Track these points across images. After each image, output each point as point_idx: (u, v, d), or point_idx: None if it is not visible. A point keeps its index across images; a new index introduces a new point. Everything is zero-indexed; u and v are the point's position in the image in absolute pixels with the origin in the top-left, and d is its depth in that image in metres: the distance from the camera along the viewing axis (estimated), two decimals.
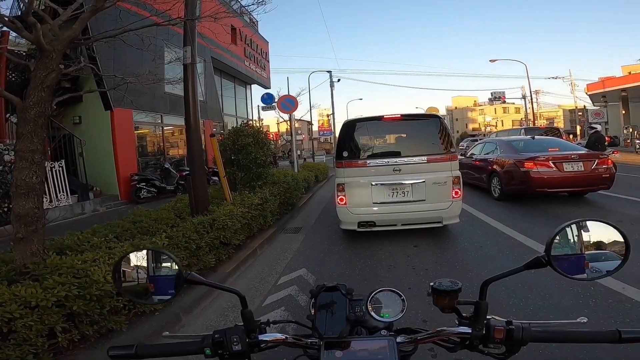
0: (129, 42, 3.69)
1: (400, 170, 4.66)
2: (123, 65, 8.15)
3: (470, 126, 66.59)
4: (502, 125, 55.53)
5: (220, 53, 15.53)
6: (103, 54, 8.07)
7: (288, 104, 11.05)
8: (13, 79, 9.06)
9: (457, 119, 69.73)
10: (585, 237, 0.78)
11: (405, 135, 5.10)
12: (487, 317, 0.79)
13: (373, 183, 4.67)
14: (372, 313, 0.85)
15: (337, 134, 27.64)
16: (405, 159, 4.68)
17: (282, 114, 12.28)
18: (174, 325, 2.89)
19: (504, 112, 62.14)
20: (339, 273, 3.85)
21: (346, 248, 4.73)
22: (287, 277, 3.84)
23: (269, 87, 22.33)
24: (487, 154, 8.31)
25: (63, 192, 8.04)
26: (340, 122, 6.34)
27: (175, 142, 13.93)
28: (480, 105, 67.17)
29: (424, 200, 4.61)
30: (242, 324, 0.83)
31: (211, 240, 3.91)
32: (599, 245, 0.78)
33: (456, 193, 4.61)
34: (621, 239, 0.77)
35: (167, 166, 10.73)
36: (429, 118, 5.16)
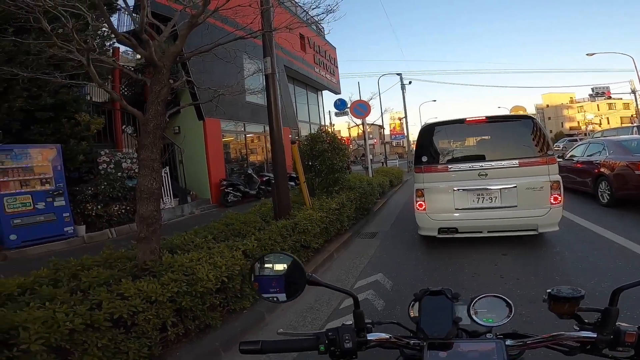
0: (219, 55, 4.01)
1: (486, 174, 4.37)
2: (211, 78, 9.06)
3: (567, 125, 58.79)
4: (608, 123, 47.87)
5: (292, 61, 16.13)
6: (195, 68, 9.04)
7: (361, 109, 11.08)
8: (126, 93, 10.65)
9: (549, 118, 62.08)
10: None
11: (491, 138, 4.77)
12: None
13: (455, 188, 4.45)
14: (475, 317, 0.86)
15: (410, 138, 26.93)
16: (493, 163, 4.38)
17: (355, 119, 12.31)
18: (259, 324, 3.08)
19: (610, 109, 53.51)
20: (417, 279, 3.76)
21: (424, 254, 4.59)
22: (363, 282, 3.86)
23: (339, 93, 22.60)
24: (592, 155, 7.31)
25: (168, 196, 9.22)
26: (414, 125, 6.21)
27: (255, 148, 14.85)
28: (578, 102, 58.93)
29: (516, 206, 4.26)
30: (351, 323, 0.88)
31: (293, 243, 4.12)
32: None
33: (555, 199, 4.16)
34: None
35: (250, 172, 11.57)
36: (521, 119, 4.81)
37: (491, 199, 4.35)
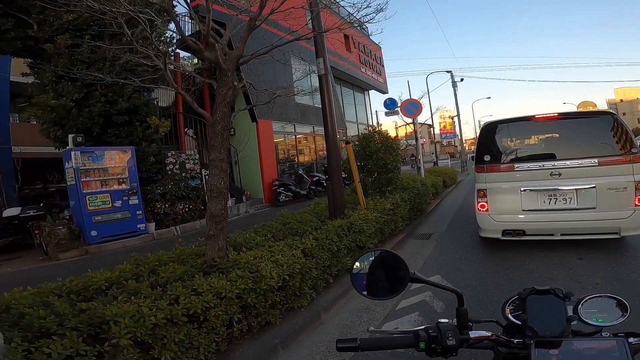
0: (275, 58, 4.13)
1: (560, 174, 4.05)
2: (262, 80, 9.38)
3: None
4: None
5: (338, 62, 16.09)
6: (248, 70, 9.43)
7: (412, 108, 10.79)
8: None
9: (624, 114, 55.77)
10: None
11: (562, 136, 4.40)
12: None
13: (523, 189, 4.19)
14: (584, 317, 0.84)
15: (461, 136, 25.64)
16: (568, 162, 4.05)
17: (405, 118, 12.03)
18: (315, 322, 3.11)
19: None
20: (478, 282, 3.60)
21: (486, 256, 4.38)
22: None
23: (386, 92, 22.25)
24: None
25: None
26: (466, 124, 5.92)
27: (304, 149, 15.10)
28: None
29: (594, 208, 3.90)
30: (447, 321, 0.89)
31: (349, 242, 4.14)
32: None
33: None
34: None
35: (300, 172, 11.81)
36: (600, 115, 4.47)
37: (565, 200, 4.03)
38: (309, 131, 14.22)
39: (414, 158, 16.29)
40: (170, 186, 8.30)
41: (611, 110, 4.66)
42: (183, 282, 2.54)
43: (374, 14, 4.88)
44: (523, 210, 4.18)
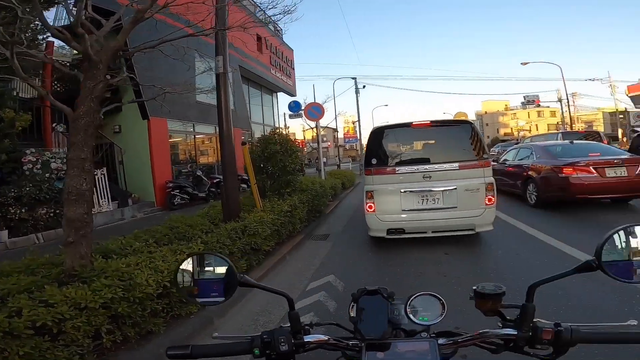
0: (166, 53, 3.86)
1: (430, 177, 4.60)
2: (158, 75, 8.58)
3: (502, 131, 64.20)
4: (537, 130, 53.10)
5: (248, 62, 15.88)
6: (140, 64, 8.52)
7: (315, 111, 11.18)
8: (58, 89, 9.74)
9: (487, 124, 67.51)
10: (633, 243, 0.77)
11: (435, 142, 5.02)
12: (533, 319, 0.80)
13: (402, 190, 4.62)
14: (411, 316, 0.86)
15: (363, 141, 27.72)
16: (436, 166, 4.61)
17: (309, 122, 12.39)
18: (207, 329, 2.96)
19: (539, 116, 59.55)
20: (367, 280, 3.84)
21: (375, 255, 4.71)
22: (316, 283, 3.86)
23: (294, 95, 22.63)
24: (522, 159, 8.01)
25: (105, 198, 8.53)
26: (366, 129, 6.40)
27: (206, 149, 14.34)
28: (512, 110, 64.76)
29: (456, 207, 4.51)
30: (288, 325, 0.87)
31: (243, 246, 4.02)
32: None
33: (489, 200, 4.48)
34: None
35: (198, 174, 11.11)
36: (460, 124, 5.12)
37: (434, 201, 4.58)
38: (211, 131, 13.51)
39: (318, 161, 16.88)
40: (28, 188, 6.89)
41: (469, 120, 5.50)
42: (30, 293, 2.28)
43: (282, 15, 4.90)
44: (403, 210, 4.63)
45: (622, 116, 30.99)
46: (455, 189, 4.51)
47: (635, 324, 0.79)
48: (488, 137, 60.94)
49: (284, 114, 25.68)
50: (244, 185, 10.20)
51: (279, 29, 19.54)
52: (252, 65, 16.59)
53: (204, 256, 0.91)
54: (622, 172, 6.05)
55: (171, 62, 4.97)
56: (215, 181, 11.12)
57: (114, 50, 2.95)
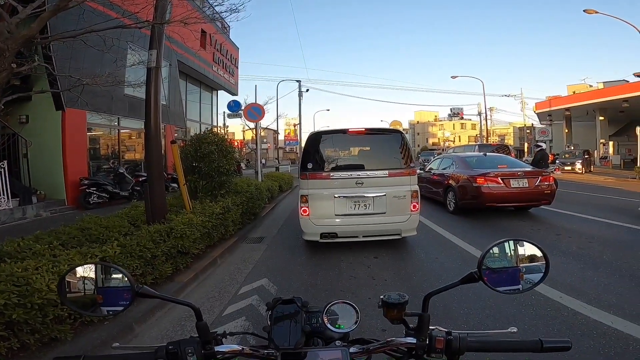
0: (90, 43, 3.53)
1: (362, 183, 4.77)
2: (82, 65, 7.74)
3: (431, 141, 69.29)
4: (460, 141, 58.44)
5: (188, 57, 15.25)
6: (60, 53, 7.62)
7: (255, 112, 10.97)
8: None
9: (418, 133, 72.49)
10: (521, 251, 0.87)
11: (368, 149, 5.23)
12: (431, 327, 0.84)
13: (336, 195, 4.73)
14: (328, 324, 0.87)
15: (303, 144, 27.94)
16: (368, 172, 4.79)
17: (248, 122, 12.13)
18: (127, 336, 2.76)
19: (462, 128, 65.49)
20: (301, 283, 3.86)
21: (308, 258, 4.75)
22: (248, 287, 3.78)
23: (236, 94, 22.09)
24: (445, 169, 8.67)
25: (3, 195, 7.37)
26: (307, 132, 6.43)
27: (132, 146, 13.33)
28: (440, 121, 70.31)
29: (385, 213, 4.74)
30: (197, 335, 0.83)
31: (168, 249, 3.77)
32: (532, 259, 0.87)
33: (414, 207, 4.78)
34: (541, 255, 0.87)
35: (121, 171, 10.19)
36: (392, 133, 5.32)
37: (366, 206, 4.78)
38: (139, 126, 12.45)
39: (263, 162, 16.65)
40: None
41: (400, 129, 5.81)
42: None
43: (227, 13, 4.72)
44: (336, 215, 4.75)
45: (528, 131, 35.15)
46: (385, 195, 4.75)
47: (515, 331, 0.84)
48: (418, 145, 65.72)
49: (224, 112, 24.89)
50: (175, 185, 9.62)
51: (226, 26, 19.01)
52: (193, 60, 15.91)
53: (103, 265, 0.85)
54: (524, 183, 6.94)
55: (98, 53, 4.56)
56: (140, 179, 10.28)
57: (24, 39, 2.71)
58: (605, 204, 8.69)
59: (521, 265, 0.87)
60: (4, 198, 7.38)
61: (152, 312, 3.09)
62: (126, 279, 0.81)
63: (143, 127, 12.13)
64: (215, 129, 13.92)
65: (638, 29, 14.68)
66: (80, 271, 0.82)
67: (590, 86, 31.47)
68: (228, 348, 0.84)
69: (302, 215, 4.77)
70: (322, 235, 4.76)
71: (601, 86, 27.78)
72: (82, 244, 3.39)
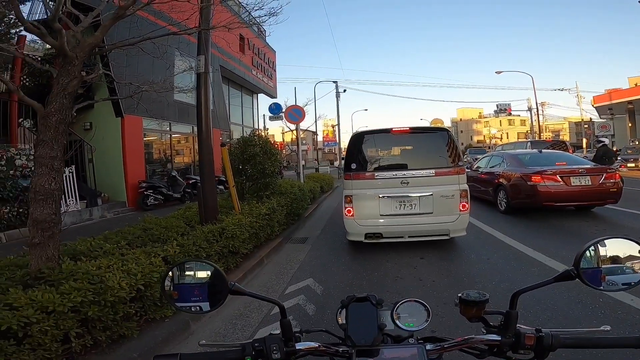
0: (146, 50, 3.78)
1: (408, 183, 4.68)
2: (135, 72, 8.32)
3: (475, 138, 66.28)
4: (507, 138, 55.14)
5: (229, 61, 15.75)
6: (116, 61, 8.27)
7: (295, 114, 11.14)
8: (27, 84, 9.28)
9: (461, 131, 69.48)
10: (602, 251, 0.82)
11: (413, 148, 5.11)
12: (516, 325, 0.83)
13: (380, 195, 4.68)
14: (397, 322, 0.88)
15: (342, 145, 27.88)
16: (413, 172, 4.69)
17: (289, 124, 12.35)
18: (184, 333, 2.91)
19: (510, 125, 61.90)
20: (346, 284, 3.86)
21: (352, 259, 4.74)
22: (294, 287, 3.85)
23: (275, 97, 22.57)
24: (494, 167, 8.28)
25: (72, 197, 8.15)
26: (345, 133, 6.41)
27: (182, 149, 14.01)
28: (485, 118, 66.91)
29: (432, 213, 4.62)
30: (279, 332, 0.87)
31: (220, 249, 3.94)
32: (615, 259, 0.82)
33: (463, 206, 4.61)
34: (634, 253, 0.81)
35: (174, 174, 10.83)
36: (437, 131, 5.23)
37: (411, 206, 4.67)
38: (188, 131, 13.22)
39: (303, 163, 16.93)
40: None
41: (446, 127, 5.65)
42: None
43: (267, 17, 4.88)
44: (381, 215, 4.69)
45: (586, 126, 32.54)
46: (432, 195, 4.62)
47: (609, 329, 0.82)
48: (462, 143, 62.87)
49: (264, 115, 25.58)
50: (221, 187, 10.03)
51: (262, 30, 19.57)
52: (234, 65, 16.45)
53: (193, 263, 0.90)
54: (586, 181, 6.39)
55: (149, 60, 4.88)
56: (191, 182, 10.88)
57: (90, 47, 2.87)
58: None
59: (603, 266, 0.82)
60: (72, 200, 8.15)
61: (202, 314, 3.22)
62: (222, 277, 0.86)
63: (191, 131, 12.84)
64: (259, 132, 14.30)
65: None
66: (180, 268, 0.88)
67: None
68: (306, 345, 0.87)
69: (347, 215, 4.77)
70: (367, 236, 4.73)
71: None
72: (146, 244, 3.61)
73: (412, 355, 0.79)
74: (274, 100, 19.57)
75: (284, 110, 12.76)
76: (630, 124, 25.98)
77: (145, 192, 9.59)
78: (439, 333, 0.89)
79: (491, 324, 0.87)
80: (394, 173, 4.73)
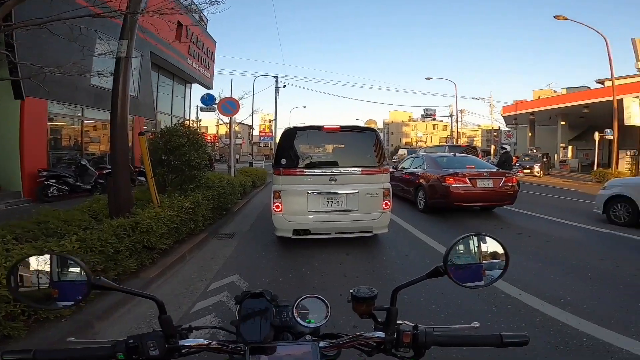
0: (56, 32, 3.31)
1: (336, 180, 4.77)
2: (47, 54, 7.29)
3: (404, 140, 70.76)
4: (431, 141, 60.08)
5: (161, 48, 14.83)
6: (24, 41, 7.16)
7: (229, 106, 10.74)
8: None
9: (392, 133, 73.83)
10: (484, 247, 0.89)
11: (343, 146, 5.24)
12: (399, 322, 0.84)
13: (309, 192, 4.72)
14: (298, 319, 0.86)
15: (276, 140, 27.64)
16: (342, 170, 4.80)
17: (222, 117, 11.86)
18: (85, 333, 2.64)
19: (434, 129, 67.37)
20: (272, 279, 3.83)
21: (280, 255, 4.73)
22: (218, 283, 3.72)
23: (211, 88, 21.61)
24: (416, 168, 8.85)
25: None
26: (282, 129, 6.31)
27: (97, 137, 12.77)
28: (413, 121, 72.00)
29: (357, 210, 4.78)
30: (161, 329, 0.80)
31: (133, 244, 3.63)
32: (494, 255, 0.89)
33: (386, 204, 4.84)
34: (502, 252, 0.89)
35: (84, 163, 9.71)
36: (366, 131, 5.36)
37: (339, 203, 4.80)
38: (104, 117, 11.93)
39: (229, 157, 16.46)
40: None
41: (374, 128, 5.87)
42: None
43: (206, 4, 4.60)
44: (309, 211, 4.74)
45: (495, 134, 36.31)
46: (358, 192, 4.79)
47: (478, 325, 0.86)
48: (392, 145, 66.90)
49: (197, 106, 24.24)
50: (142, 179, 9.27)
51: (204, 18, 18.49)
52: (167, 53, 15.47)
53: (58, 257, 0.79)
54: (489, 184, 7.23)
55: (66, 41, 4.35)
56: (104, 172, 9.84)
57: None
58: (563, 205, 9.23)
59: (484, 261, 0.88)
60: None
61: (115, 308, 2.97)
62: (82, 271, 0.77)
63: (109, 119, 11.68)
64: (188, 122, 13.54)
65: (604, 36, 15.46)
66: (33, 263, 0.77)
67: (555, 91, 32.82)
68: (194, 342, 0.81)
69: (275, 211, 4.73)
70: (295, 232, 4.75)
71: (564, 92, 29.16)
72: (38, 238, 3.19)
73: (306, 352, 0.78)
74: (209, 91, 18.64)
75: (217, 101, 12.25)
76: (530, 134, 29.59)
77: (45, 182, 8.41)
78: (360, 329, 0.88)
79: (380, 320, 0.87)
80: (323, 170, 4.80)
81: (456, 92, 30.16)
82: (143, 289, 3.42)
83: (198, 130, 7.35)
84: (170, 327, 0.80)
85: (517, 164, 19.29)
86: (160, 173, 5.72)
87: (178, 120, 10.36)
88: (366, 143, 5.04)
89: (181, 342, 0.80)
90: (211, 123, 35.60)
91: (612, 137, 16.15)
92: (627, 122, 17.73)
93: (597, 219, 6.96)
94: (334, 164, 4.90)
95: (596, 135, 19.43)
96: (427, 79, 32.77)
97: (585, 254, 4.76)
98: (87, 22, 3.82)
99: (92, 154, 11.77)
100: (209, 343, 0.81)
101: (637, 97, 18.40)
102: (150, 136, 7.09)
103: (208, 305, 3.18)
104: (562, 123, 25.89)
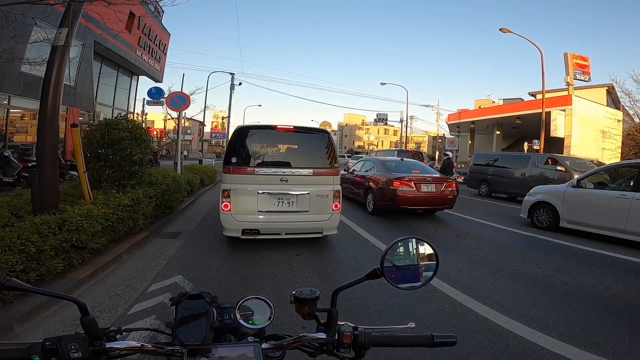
0: None
1: (287, 180, 4.75)
2: None
3: (357, 143, 72.62)
4: (382, 145, 62.32)
5: (107, 38, 13.99)
6: None
7: (179, 101, 10.29)
8: None
9: (346, 136, 75.35)
10: (421, 250, 0.93)
11: (295, 147, 5.21)
12: (341, 323, 0.84)
13: (260, 191, 4.66)
14: (241, 320, 0.85)
15: (229, 137, 26.91)
16: (293, 170, 4.79)
17: (170, 111, 11.31)
18: (4, 337, 2.41)
19: (385, 133, 69.97)
20: (219, 280, 3.73)
21: (228, 255, 4.61)
22: (159, 284, 3.53)
23: (160, 81, 20.55)
24: (367, 171, 9.08)
25: None
26: (236, 126, 6.11)
27: (24, 127, 11.62)
28: (367, 125, 74.18)
29: (307, 211, 4.80)
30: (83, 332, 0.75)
31: (59, 243, 3.31)
32: (429, 257, 0.93)
33: (336, 206, 4.91)
34: (433, 253, 0.93)
35: (6, 154, 8.69)
36: (319, 132, 5.40)
37: (289, 204, 4.78)
38: (34, 107, 10.84)
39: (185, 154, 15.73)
40: None
41: (327, 130, 5.91)
42: None
43: None
44: (259, 211, 4.67)
45: (440, 140, 38.45)
46: (308, 193, 4.81)
47: (414, 326, 0.88)
48: (345, 147, 68.31)
49: (144, 99, 22.86)
50: (74, 173, 8.51)
51: (160, 10, 17.42)
52: (113, 42, 14.55)
53: None
54: (432, 188, 7.67)
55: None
56: (30, 165, 8.89)
57: None
58: (495, 210, 10.05)
59: (421, 263, 0.92)
60: None
61: (38, 311, 2.72)
62: None
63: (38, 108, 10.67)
64: (131, 116, 12.74)
65: (539, 48, 16.88)
66: None
67: (493, 102, 35.44)
68: (123, 344, 0.77)
69: (224, 210, 4.59)
70: (244, 232, 4.65)
71: (501, 103, 31.67)
72: None
73: (247, 354, 0.77)
74: (157, 85, 17.67)
75: (166, 95, 11.68)
76: (470, 142, 31.55)
77: None
78: (309, 330, 0.87)
79: (322, 321, 0.87)
80: (275, 170, 4.75)
81: (407, 99, 31.75)
82: (71, 291, 3.17)
83: (142, 124, 6.90)
84: (94, 329, 0.75)
85: (455, 170, 20.70)
86: (95, 168, 5.29)
87: (120, 113, 9.68)
88: (319, 144, 5.07)
89: (108, 345, 0.76)
90: (159, 117, 33.69)
91: (538, 148, 17.55)
92: (552, 133, 19.76)
93: (523, 223, 7.64)
94: (285, 165, 4.88)
95: (525, 145, 21.22)
96: (382, 84, 33.94)
97: (512, 256, 5.17)
98: (24, 8, 3.48)
99: (18, 145, 10.64)
100: (142, 345, 0.77)
101: (563, 110, 20.66)
102: (87, 128, 6.53)
103: (147, 307, 3.01)
104: (498, 132, 27.91)
